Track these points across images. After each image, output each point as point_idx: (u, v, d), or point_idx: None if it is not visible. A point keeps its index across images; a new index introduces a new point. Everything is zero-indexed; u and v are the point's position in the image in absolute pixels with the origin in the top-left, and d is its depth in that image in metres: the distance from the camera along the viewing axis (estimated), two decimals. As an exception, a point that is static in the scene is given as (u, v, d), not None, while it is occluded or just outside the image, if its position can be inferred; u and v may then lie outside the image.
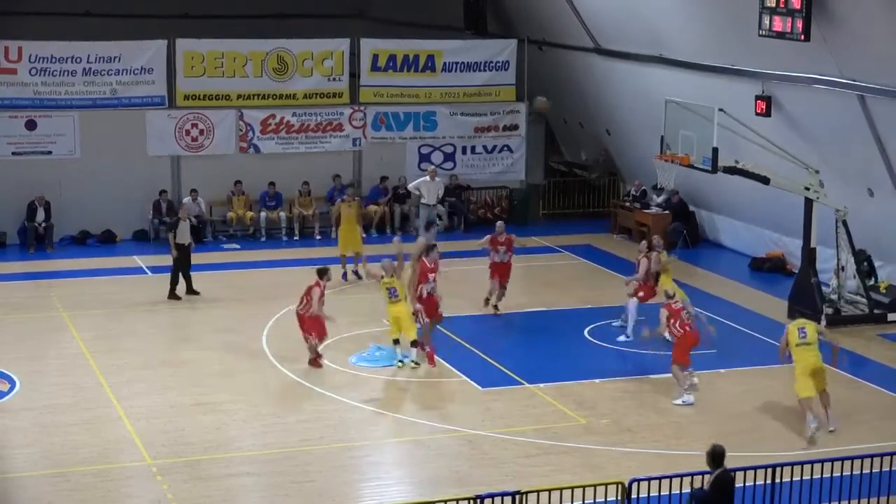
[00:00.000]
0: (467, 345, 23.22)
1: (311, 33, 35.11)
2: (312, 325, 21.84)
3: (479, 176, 35.25)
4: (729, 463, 14.27)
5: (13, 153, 31.63)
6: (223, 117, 33.07)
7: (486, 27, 38.85)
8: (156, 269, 28.81)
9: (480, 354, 22.72)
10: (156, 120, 32.61)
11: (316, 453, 18.21)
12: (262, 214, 33.01)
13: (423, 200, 31.93)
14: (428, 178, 31.83)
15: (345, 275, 28.08)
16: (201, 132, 32.93)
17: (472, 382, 21.34)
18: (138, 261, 30.27)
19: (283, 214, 33.14)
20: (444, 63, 34.76)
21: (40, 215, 31.39)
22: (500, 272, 25.70)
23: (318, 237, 33.05)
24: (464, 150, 35.05)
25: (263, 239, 32.70)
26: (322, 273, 22.20)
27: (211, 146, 33.04)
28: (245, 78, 33.39)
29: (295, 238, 32.92)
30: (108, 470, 17.59)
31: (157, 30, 34.44)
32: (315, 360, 21.88)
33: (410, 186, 32.44)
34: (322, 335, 21.94)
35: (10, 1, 38.52)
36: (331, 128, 33.94)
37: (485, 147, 35.25)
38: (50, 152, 31.89)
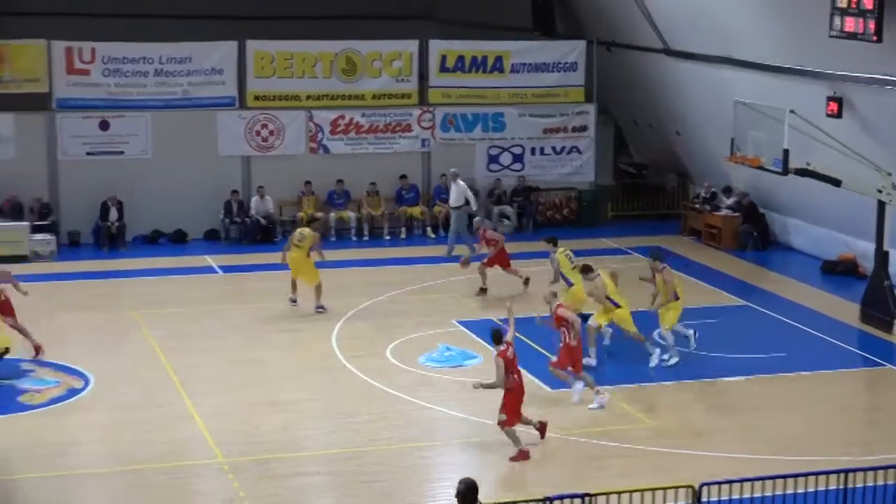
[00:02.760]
0: (536, 346, 23.18)
1: (380, 34, 35.24)
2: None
3: (547, 177, 35.18)
4: (799, 467, 14.17)
5: (87, 153, 32.00)
6: (293, 118, 33.26)
7: (554, 28, 38.79)
8: (226, 269, 29.05)
9: (550, 356, 22.67)
10: (226, 120, 32.87)
11: (385, 453, 18.28)
12: (332, 214, 33.17)
13: (451, 204, 31.80)
14: (452, 181, 31.77)
15: None
16: (271, 133, 33.15)
17: (541, 383, 21.31)
18: (209, 260, 30.51)
19: (352, 214, 33.28)
20: (513, 64, 34.74)
21: (113, 215, 31.73)
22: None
23: (388, 237, 33.16)
24: (532, 152, 35.01)
25: (333, 239, 32.84)
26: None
27: (281, 146, 33.25)
28: (314, 78, 33.58)
29: (364, 238, 33.06)
30: (179, 467, 17.76)
31: (227, 31, 34.68)
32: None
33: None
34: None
35: (83, 3, 38.98)
36: (399, 129, 34.04)
37: (553, 148, 35.18)
38: (122, 152, 32.24)
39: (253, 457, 18.08)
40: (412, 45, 34.32)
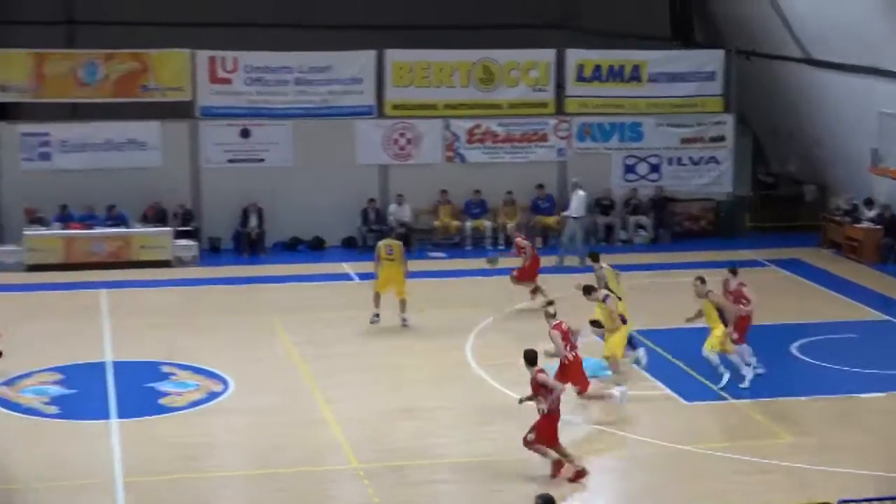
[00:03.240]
0: (672, 358, 22.97)
1: (518, 44, 35.23)
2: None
3: (684, 188, 34.84)
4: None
5: (229, 161, 32.53)
6: (430, 127, 33.43)
7: (693, 37, 38.44)
8: (364, 276, 29.23)
9: (685, 368, 22.45)
10: (365, 129, 33.15)
11: (518, 463, 18.23)
12: (468, 224, 33.26)
13: (567, 213, 31.59)
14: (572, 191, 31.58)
15: None
16: (409, 141, 33.35)
17: (677, 396, 21.10)
18: (346, 267, 30.78)
19: (488, 223, 33.33)
20: (651, 73, 34.49)
21: (253, 221, 32.19)
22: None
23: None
24: (669, 162, 34.71)
25: (469, 248, 32.91)
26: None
27: (418, 155, 33.43)
28: (452, 88, 33.71)
29: (500, 247, 33.07)
30: (315, 472, 17.91)
31: (366, 40, 34.99)
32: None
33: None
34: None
35: (227, 13, 39.64)
36: (535, 138, 34.01)
37: (691, 158, 34.83)
38: (263, 160, 32.71)
39: (388, 463, 18.17)
40: (549, 55, 34.26)
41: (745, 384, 21.20)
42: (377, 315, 25.27)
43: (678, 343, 23.49)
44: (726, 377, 21.29)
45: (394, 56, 33.35)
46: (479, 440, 19.18)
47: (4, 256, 30.38)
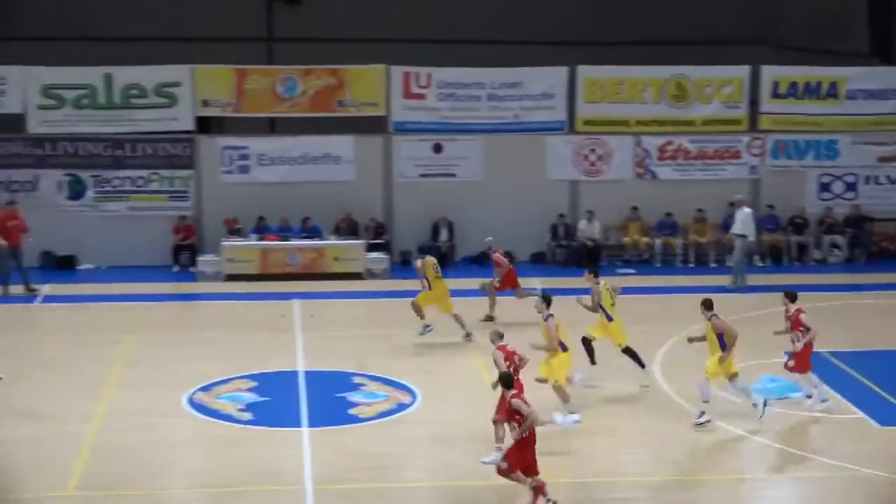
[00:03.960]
0: (865, 380, 22.41)
1: (711, 59, 34.86)
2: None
3: (883, 207, 33.98)
4: None
5: (420, 175, 32.91)
6: (621, 143, 33.31)
7: (892, 54, 37.47)
8: (552, 291, 29.10)
9: (879, 391, 21.86)
10: (556, 145, 33.19)
11: (705, 483, 18.00)
12: (658, 241, 33.00)
13: (734, 231, 30.95)
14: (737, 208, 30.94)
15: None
16: (599, 157, 33.27)
17: (870, 419, 20.57)
18: (535, 282, 30.76)
19: (678, 241, 33.02)
20: (849, 90, 33.76)
21: (443, 235, 32.49)
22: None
23: (714, 265, 32.74)
24: (866, 180, 33.90)
25: (658, 265, 32.63)
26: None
27: (608, 171, 33.32)
28: (643, 104, 33.53)
29: (690, 265, 32.72)
30: (502, 486, 17.93)
31: (558, 56, 35.01)
32: None
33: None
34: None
35: (421, 29, 40.05)
36: (728, 155, 33.60)
37: (888, 177, 33.97)
38: (454, 175, 32.99)
39: (575, 479, 18.10)
40: (743, 71, 33.81)
41: (761, 413, 20.11)
42: (428, 325, 25.23)
43: (871, 365, 22.90)
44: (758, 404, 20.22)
45: (585, 72, 33.32)
46: (665, 459, 18.96)
47: (204, 266, 31.25)
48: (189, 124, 32.55)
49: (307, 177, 32.57)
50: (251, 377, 22.78)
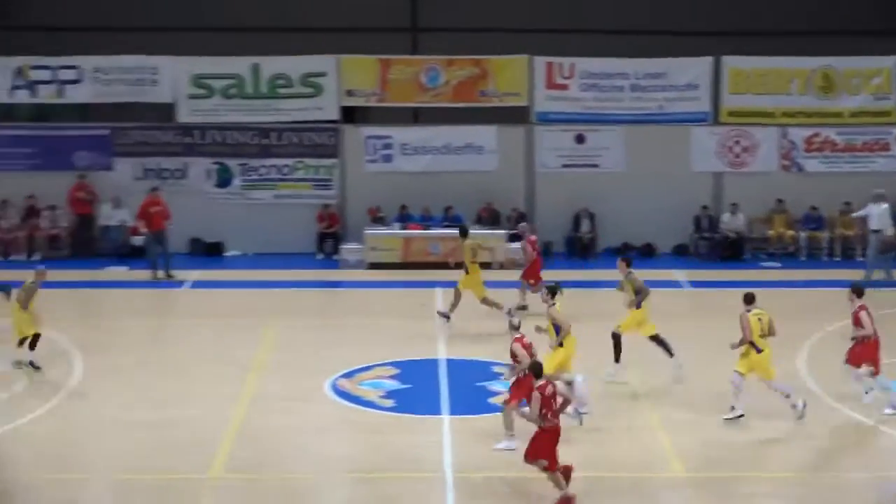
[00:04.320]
0: None
1: (856, 50, 34.16)
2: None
3: None
4: None
5: (563, 165, 32.82)
6: (766, 135, 32.83)
7: None
8: (695, 284, 29.00)
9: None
10: (700, 136, 32.83)
11: (851, 481, 17.69)
12: (803, 234, 32.47)
13: (871, 226, 30.18)
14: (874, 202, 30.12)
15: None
16: (744, 149, 32.84)
17: None
18: (677, 275, 30.54)
19: (826, 235, 32.46)
20: None
21: (585, 226, 32.38)
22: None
23: (861, 259, 32.08)
24: None
25: (804, 258, 32.11)
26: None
27: (753, 163, 32.86)
28: (789, 95, 33.02)
29: (836, 258, 32.14)
30: (647, 478, 17.84)
31: (703, 46, 34.61)
32: None
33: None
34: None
35: (565, 19, 39.85)
36: (877, 147, 32.93)
37: None
38: (597, 166, 32.83)
39: (713, 473, 17.91)
40: (892, 62, 33.06)
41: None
42: (446, 315, 25.32)
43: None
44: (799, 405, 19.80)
45: (730, 62, 32.91)
46: (805, 455, 18.66)
47: (348, 254, 31.57)
48: (334, 114, 32.89)
49: (450, 166, 32.71)
50: (393, 364, 22.95)
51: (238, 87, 32.73)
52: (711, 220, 32.52)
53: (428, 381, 22.01)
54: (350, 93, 32.85)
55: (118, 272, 30.68)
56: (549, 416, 16.42)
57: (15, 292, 22.38)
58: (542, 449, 16.58)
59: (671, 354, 22.07)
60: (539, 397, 16.42)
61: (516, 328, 19.29)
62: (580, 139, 32.87)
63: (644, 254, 32.64)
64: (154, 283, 29.78)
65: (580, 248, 32.36)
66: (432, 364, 23.07)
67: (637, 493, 17.29)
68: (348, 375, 22.26)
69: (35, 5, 40.92)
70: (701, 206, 32.58)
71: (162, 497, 17.20)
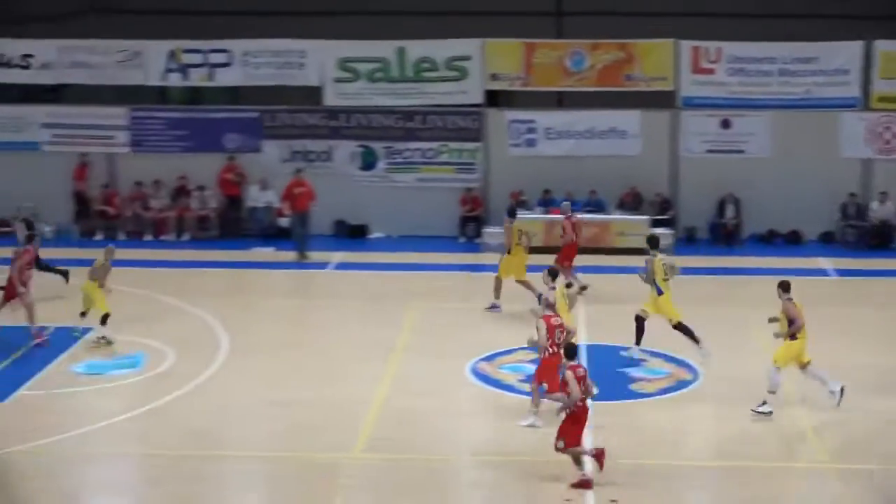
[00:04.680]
0: None
1: None
2: None
3: None
4: None
5: (707, 151, 32.40)
6: (919, 121, 32.04)
7: None
8: (841, 272, 28.41)
9: None
10: (849, 122, 32.14)
11: None
12: (949, 222, 31.68)
13: None
14: None
15: None
16: (895, 135, 32.04)
17: None
18: (823, 262, 29.97)
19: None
20: None
21: (730, 212, 31.94)
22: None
23: None
24: None
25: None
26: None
27: (904, 150, 32.14)
28: (944, 80, 32.13)
29: None
30: (787, 468, 17.57)
31: (854, 30, 33.84)
32: None
33: None
34: None
35: (709, 3, 39.32)
36: None
37: None
38: (742, 151, 32.35)
39: (866, 465, 17.55)
40: None
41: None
42: (497, 305, 25.23)
43: None
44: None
45: (882, 47, 32.11)
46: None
47: (490, 238, 31.58)
48: (478, 98, 32.90)
49: (593, 151, 32.52)
50: (532, 349, 22.88)
51: (384, 70, 32.91)
52: (859, 207, 31.83)
53: (569, 365, 21.89)
54: (494, 76, 32.81)
55: (264, 253, 31.10)
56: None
57: (89, 271, 23.37)
58: (567, 428, 16.74)
59: (697, 342, 21.87)
60: (572, 377, 16.64)
61: (550, 307, 19.43)
62: (726, 124, 32.40)
63: (790, 241, 32.10)
64: (299, 265, 30.13)
65: (724, 234, 31.91)
66: (573, 349, 22.93)
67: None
68: (488, 359, 22.29)
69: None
70: (849, 194, 31.90)
71: (303, 475, 17.42)
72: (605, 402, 19.96)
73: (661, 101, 32.70)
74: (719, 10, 39.07)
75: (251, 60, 32.96)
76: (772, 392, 19.30)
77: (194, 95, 36.52)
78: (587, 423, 17.03)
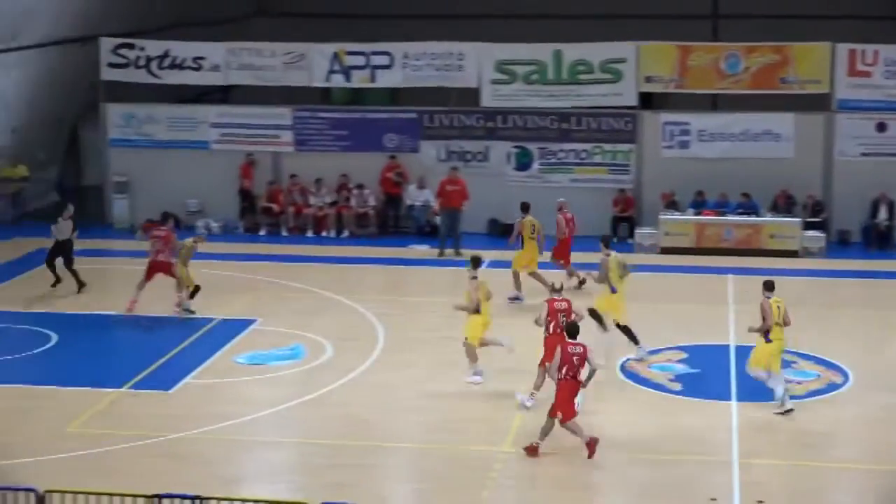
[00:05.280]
0: None
1: None
2: None
3: None
4: None
5: (862, 154, 31.80)
6: None
7: None
8: None
9: None
10: None
11: None
12: None
13: None
14: None
15: None
16: None
17: None
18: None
19: None
20: None
21: (883, 214, 31.32)
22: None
23: None
24: None
25: None
26: None
27: None
28: None
29: None
30: None
31: None
32: None
33: None
34: None
35: (861, 5, 38.61)
36: None
37: None
38: (901, 154, 31.81)
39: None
40: None
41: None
42: (518, 297, 25.81)
43: None
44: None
45: None
46: None
47: (642, 238, 31.46)
48: (632, 100, 32.77)
49: (746, 153, 32.13)
50: (682, 348, 22.83)
51: (540, 72, 32.97)
52: None
53: (716, 366, 21.79)
54: (649, 79, 32.64)
55: (421, 250, 31.41)
56: (567, 372, 17.69)
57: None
58: (560, 401, 17.74)
59: (637, 342, 22.17)
60: (559, 353, 17.76)
61: (556, 290, 20.29)
62: (881, 127, 31.73)
63: (947, 245, 31.41)
64: (454, 262, 30.34)
65: (876, 236, 31.29)
66: (721, 350, 22.81)
67: None
68: (638, 358, 22.23)
69: (350, -5, 42.54)
70: None
71: (454, 466, 17.64)
72: (753, 403, 19.83)
73: (816, 103, 32.19)
74: (876, 13, 38.39)
75: (411, 62, 33.31)
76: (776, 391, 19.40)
77: (355, 96, 37.09)
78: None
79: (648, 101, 33.75)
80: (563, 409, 17.76)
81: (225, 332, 23.26)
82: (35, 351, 22.93)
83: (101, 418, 19.47)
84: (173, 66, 33.96)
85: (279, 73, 33.64)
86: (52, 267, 26.98)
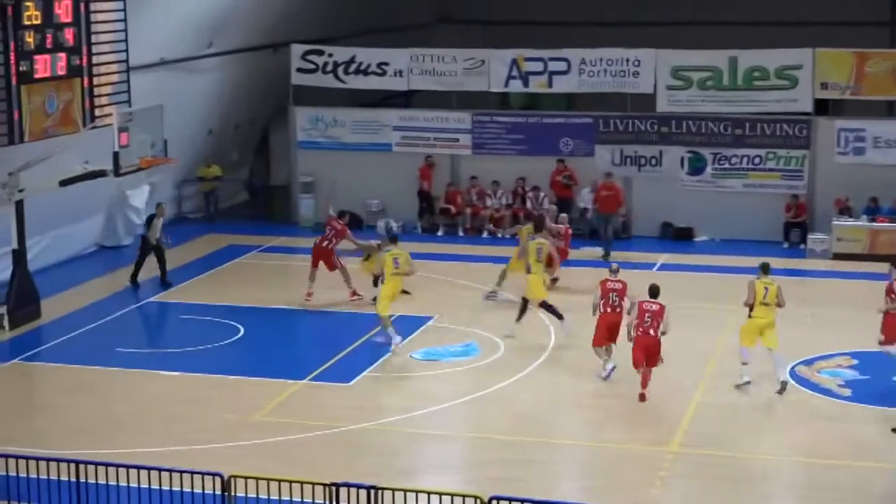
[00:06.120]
0: None
1: None
2: None
3: None
4: None
5: None
6: None
7: None
8: None
9: None
10: None
11: None
12: None
13: None
14: None
15: None
16: None
17: None
18: None
19: None
20: None
21: None
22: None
23: None
24: None
25: None
26: None
27: None
28: None
29: None
30: None
31: None
32: None
33: None
34: None
35: None
36: None
37: None
38: None
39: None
40: None
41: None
42: (494, 292, 26.26)
43: None
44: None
45: None
46: None
47: (814, 244, 30.83)
48: (807, 106, 32.11)
49: (922, 160, 31.25)
50: (853, 354, 22.31)
51: (715, 78, 32.53)
52: None
53: (887, 372, 21.19)
54: (824, 85, 31.94)
55: (592, 252, 31.20)
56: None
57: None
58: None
59: (560, 318, 23.27)
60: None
61: (616, 272, 21.65)
62: None
63: None
64: (626, 264, 30.13)
65: None
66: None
67: None
68: (807, 363, 21.84)
69: (529, 4, 42.60)
70: None
71: (621, 464, 17.58)
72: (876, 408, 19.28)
73: None
74: None
75: (587, 69, 33.20)
76: (744, 363, 20.52)
77: (531, 101, 37.13)
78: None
79: (823, 106, 33.01)
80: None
81: (402, 328, 23.53)
82: (224, 342, 23.56)
83: (284, 408, 19.91)
84: (359, 71, 34.48)
85: (459, 78, 33.89)
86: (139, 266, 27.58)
